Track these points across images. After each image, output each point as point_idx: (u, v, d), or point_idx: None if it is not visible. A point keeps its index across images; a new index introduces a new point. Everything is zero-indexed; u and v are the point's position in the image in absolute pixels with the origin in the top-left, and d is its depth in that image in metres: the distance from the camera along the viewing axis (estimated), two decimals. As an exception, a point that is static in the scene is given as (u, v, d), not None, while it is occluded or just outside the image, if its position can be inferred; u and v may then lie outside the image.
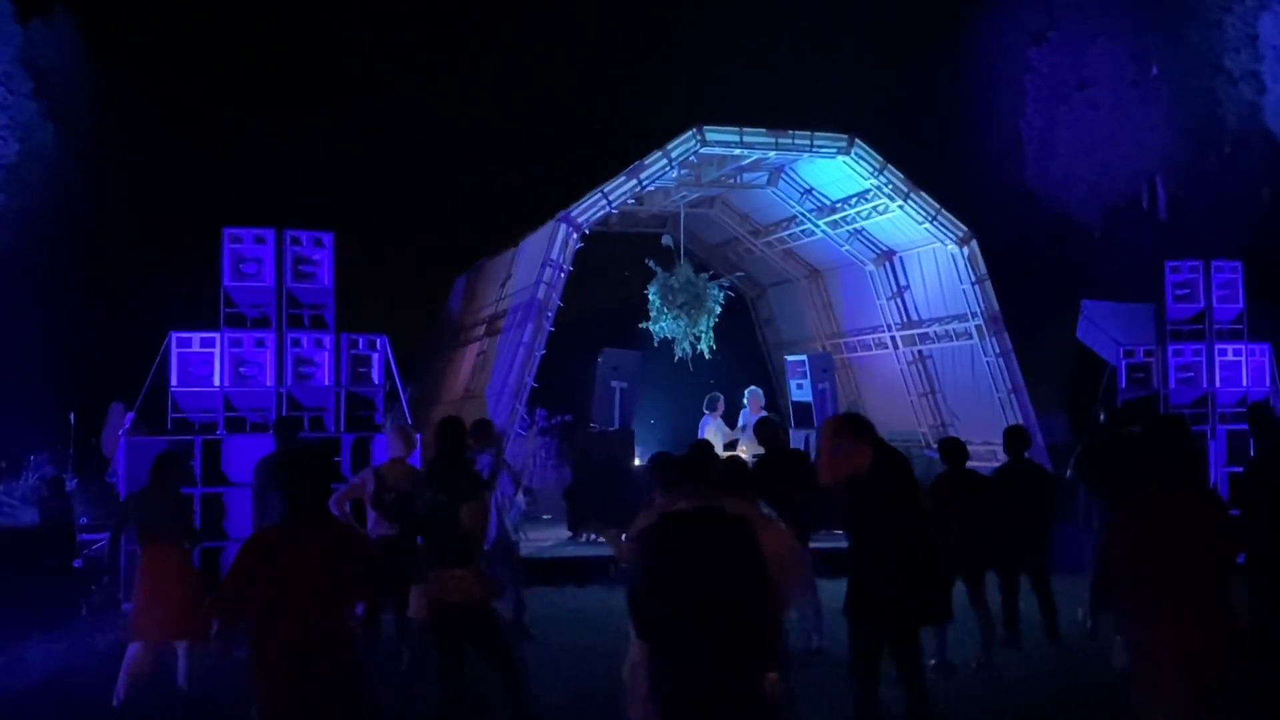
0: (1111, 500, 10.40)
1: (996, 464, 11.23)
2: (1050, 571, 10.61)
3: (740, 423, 17.46)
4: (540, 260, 16.49)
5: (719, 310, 18.84)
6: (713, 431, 16.85)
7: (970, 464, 10.39)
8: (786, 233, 21.35)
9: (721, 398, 17.40)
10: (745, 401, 17.49)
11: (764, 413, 16.19)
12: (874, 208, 18.63)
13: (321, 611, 4.96)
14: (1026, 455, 10.87)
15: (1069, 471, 11.30)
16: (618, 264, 20.06)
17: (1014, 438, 10.78)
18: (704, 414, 17.36)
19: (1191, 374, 16.12)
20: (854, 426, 7.59)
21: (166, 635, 8.44)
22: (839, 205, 19.38)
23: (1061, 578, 10.86)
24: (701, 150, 16.96)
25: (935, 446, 19.13)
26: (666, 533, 5.02)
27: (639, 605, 5.25)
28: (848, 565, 7.46)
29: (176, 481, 8.87)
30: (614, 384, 16.99)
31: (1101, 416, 11.53)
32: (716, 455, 5.33)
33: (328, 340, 13.88)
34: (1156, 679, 5.22)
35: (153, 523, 8.41)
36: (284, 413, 13.31)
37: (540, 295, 16.21)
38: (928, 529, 7.60)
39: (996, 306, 17.93)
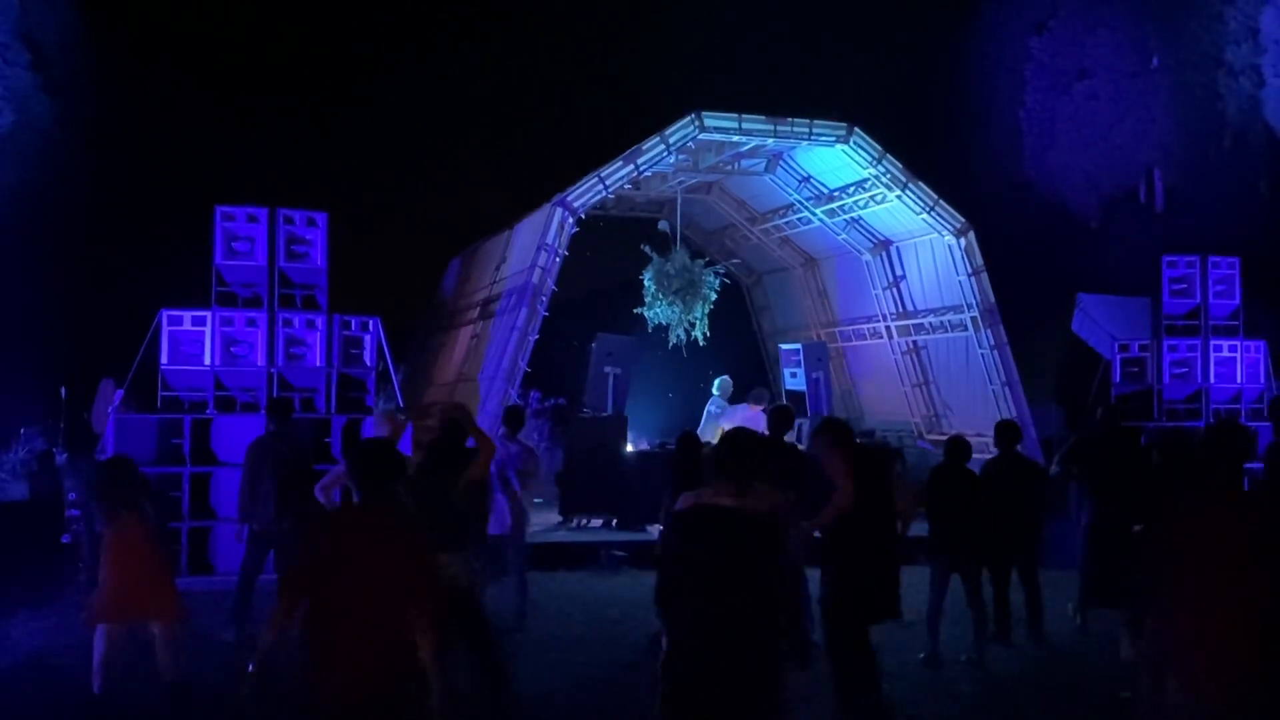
0: (1101, 496, 10.45)
1: (988, 456, 11.16)
2: (1039, 566, 10.59)
3: (718, 415, 16.75)
4: (535, 244, 16.42)
5: (714, 297, 18.80)
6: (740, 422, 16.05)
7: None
8: (783, 220, 21.29)
9: (768, 393, 16.66)
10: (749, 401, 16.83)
11: (761, 412, 16.06)
12: (871, 197, 18.57)
13: (377, 612, 4.70)
14: (1018, 449, 10.82)
15: (1054, 467, 11.26)
16: (613, 249, 20.00)
17: (1004, 432, 10.72)
18: (743, 404, 16.48)
19: (1186, 369, 16.09)
20: (831, 432, 7.77)
21: (133, 616, 8.21)
22: (837, 194, 19.32)
23: (1050, 572, 10.84)
24: (700, 136, 16.89)
25: (929, 438, 19.26)
26: (698, 523, 5.17)
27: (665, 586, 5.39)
28: (822, 562, 7.61)
29: (134, 473, 8.64)
30: (607, 369, 16.92)
31: (1099, 413, 11.43)
32: (761, 446, 5.51)
33: (320, 321, 13.81)
34: (1202, 681, 5.15)
35: (117, 503, 8.25)
36: (275, 393, 13.25)
37: (535, 279, 16.16)
38: (893, 531, 7.78)
39: (992, 298, 17.88)
